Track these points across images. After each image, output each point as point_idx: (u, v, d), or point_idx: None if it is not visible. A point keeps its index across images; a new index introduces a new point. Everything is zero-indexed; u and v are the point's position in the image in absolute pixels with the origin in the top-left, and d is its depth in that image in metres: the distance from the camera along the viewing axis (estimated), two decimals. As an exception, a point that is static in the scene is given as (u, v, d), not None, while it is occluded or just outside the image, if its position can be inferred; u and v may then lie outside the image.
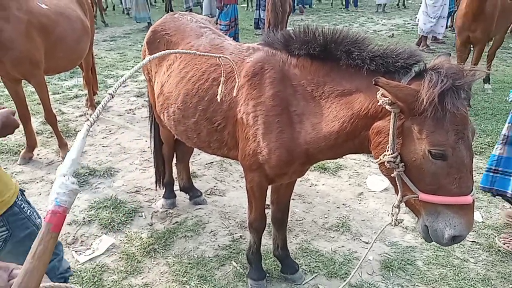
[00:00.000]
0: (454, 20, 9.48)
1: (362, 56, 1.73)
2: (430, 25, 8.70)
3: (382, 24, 13.25)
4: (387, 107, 1.58)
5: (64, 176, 1.05)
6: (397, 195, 1.70)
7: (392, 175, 1.66)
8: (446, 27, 10.98)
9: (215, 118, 2.28)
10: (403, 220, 1.75)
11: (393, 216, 1.73)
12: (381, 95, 1.58)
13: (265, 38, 2.16)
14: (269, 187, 2.55)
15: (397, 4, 16.97)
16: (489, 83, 6.57)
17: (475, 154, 4.44)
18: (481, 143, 4.63)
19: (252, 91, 2.08)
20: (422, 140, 1.54)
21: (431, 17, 8.58)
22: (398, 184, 1.66)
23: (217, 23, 6.62)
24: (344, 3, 17.17)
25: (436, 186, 1.58)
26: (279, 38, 2.06)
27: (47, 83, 6.57)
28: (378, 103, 1.62)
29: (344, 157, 4.35)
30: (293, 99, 2.00)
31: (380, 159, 1.67)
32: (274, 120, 2.03)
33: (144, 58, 2.90)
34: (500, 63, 7.62)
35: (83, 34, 4.28)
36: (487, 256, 2.97)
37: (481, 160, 4.33)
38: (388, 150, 1.63)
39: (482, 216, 3.42)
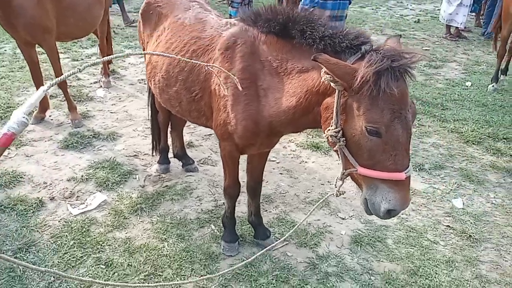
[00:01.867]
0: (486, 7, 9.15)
1: (313, 36, 1.83)
2: (449, 13, 8.44)
3: (411, 9, 12.85)
4: (331, 84, 1.69)
5: (20, 111, 1.38)
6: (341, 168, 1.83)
7: (334, 148, 1.78)
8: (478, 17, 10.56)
9: (193, 88, 2.43)
10: (344, 192, 1.88)
11: (335, 187, 1.87)
12: (324, 72, 1.69)
13: (241, 14, 2.27)
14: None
15: (430, -11, 16.41)
16: (505, 75, 6.42)
17: (473, 143, 4.44)
18: (481, 133, 4.59)
19: (224, 63, 2.21)
20: (360, 117, 1.65)
21: (452, 4, 8.32)
22: (340, 158, 1.79)
23: (232, 1, 6.66)
24: (374, -16, 16.69)
25: (373, 161, 1.69)
26: (250, 14, 2.17)
27: (68, 50, 6.87)
28: (322, 80, 1.73)
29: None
30: (260, 74, 2.13)
31: (325, 133, 1.79)
32: (242, 93, 2.15)
33: (139, 28, 3.09)
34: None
35: (95, 2, 4.46)
36: (457, 241, 3.06)
37: (477, 150, 4.33)
38: (332, 125, 1.75)
39: (463, 203, 3.48)
